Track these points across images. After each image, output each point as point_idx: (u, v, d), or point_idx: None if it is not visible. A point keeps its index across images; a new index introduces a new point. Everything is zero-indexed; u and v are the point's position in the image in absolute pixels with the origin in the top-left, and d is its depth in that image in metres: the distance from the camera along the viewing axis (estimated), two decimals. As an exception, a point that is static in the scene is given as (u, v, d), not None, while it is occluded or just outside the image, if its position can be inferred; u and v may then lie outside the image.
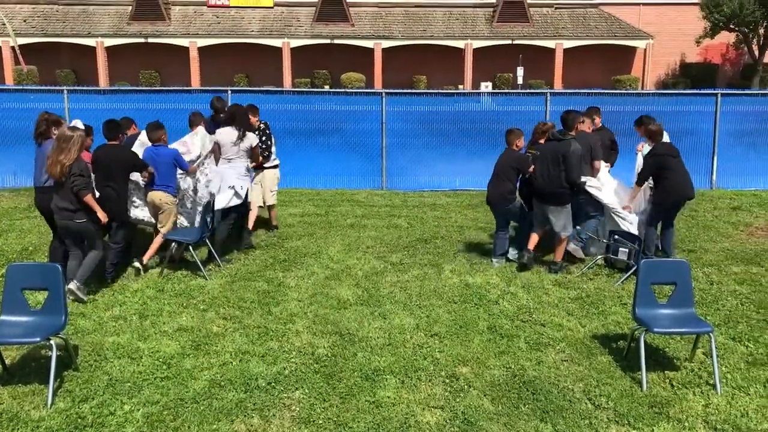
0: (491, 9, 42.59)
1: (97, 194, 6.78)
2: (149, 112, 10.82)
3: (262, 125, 9.05)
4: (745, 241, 9.09)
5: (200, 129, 8.42)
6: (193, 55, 40.36)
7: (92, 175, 6.87)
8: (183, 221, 8.16)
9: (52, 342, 4.83)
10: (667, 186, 7.72)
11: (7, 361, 5.25)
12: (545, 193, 7.65)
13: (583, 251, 8.27)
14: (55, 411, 4.60)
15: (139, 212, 7.84)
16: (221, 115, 8.93)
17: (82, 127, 7.06)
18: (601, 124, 8.95)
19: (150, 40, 40.11)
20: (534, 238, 7.85)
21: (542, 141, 8.09)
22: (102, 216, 6.65)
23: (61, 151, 6.38)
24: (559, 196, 7.56)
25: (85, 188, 6.47)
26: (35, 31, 39.93)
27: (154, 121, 7.85)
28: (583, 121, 8.18)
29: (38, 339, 4.81)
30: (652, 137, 7.99)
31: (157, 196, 7.59)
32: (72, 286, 6.54)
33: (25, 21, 40.51)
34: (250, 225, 8.79)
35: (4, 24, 33.87)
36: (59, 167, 6.36)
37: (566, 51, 40.70)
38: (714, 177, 13.24)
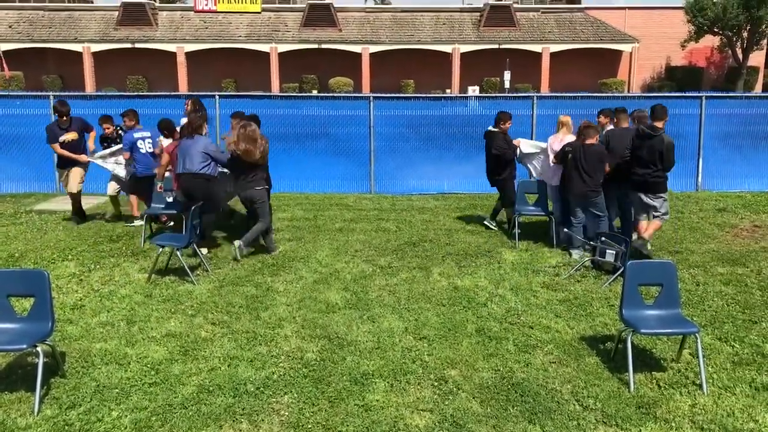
0: (478, 14, 42.82)
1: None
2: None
3: (115, 132, 10.42)
4: (730, 242, 9.18)
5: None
6: (181, 60, 40.28)
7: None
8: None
9: (38, 349, 4.80)
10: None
11: (-7, 369, 5.23)
12: (644, 183, 8.21)
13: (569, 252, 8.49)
14: (42, 418, 4.57)
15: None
16: (65, 119, 9.87)
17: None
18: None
19: (137, 45, 40.01)
20: (643, 225, 8.34)
21: (591, 141, 8.40)
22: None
23: (252, 141, 8.13)
24: (658, 185, 8.22)
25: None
26: (21, 36, 39.71)
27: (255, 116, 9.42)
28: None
29: (25, 346, 4.77)
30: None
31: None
32: (236, 243, 8.21)
33: (10, 27, 40.27)
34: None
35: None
36: (259, 153, 8.20)
37: (553, 55, 40.97)
38: (699, 179, 13.35)
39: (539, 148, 9.70)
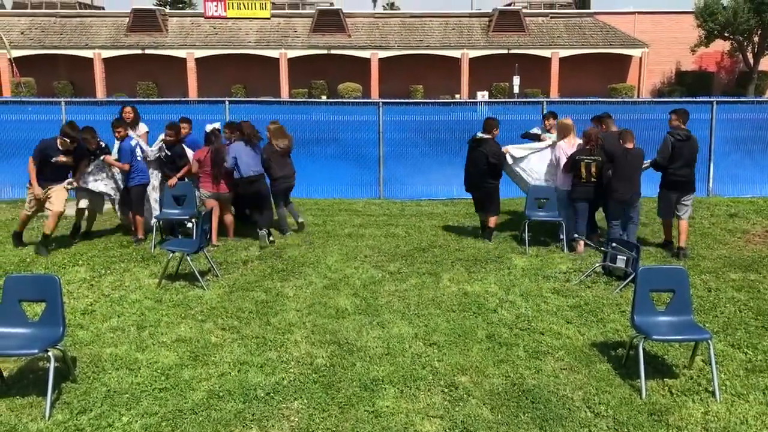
0: (487, 18, 42.80)
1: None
2: (147, 122, 10.80)
3: (97, 146, 9.45)
4: (742, 248, 9.11)
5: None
6: (191, 66, 40.46)
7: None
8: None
9: (50, 353, 4.82)
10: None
11: (5, 373, 5.24)
12: (687, 183, 8.58)
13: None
14: (53, 423, 4.58)
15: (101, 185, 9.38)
16: (75, 144, 8.82)
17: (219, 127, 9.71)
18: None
19: (147, 51, 40.21)
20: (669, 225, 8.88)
21: (630, 144, 8.52)
22: None
23: (287, 135, 9.71)
24: (694, 184, 8.70)
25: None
26: (33, 43, 40.02)
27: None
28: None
29: (36, 351, 4.79)
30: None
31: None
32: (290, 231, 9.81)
33: (22, 33, 40.60)
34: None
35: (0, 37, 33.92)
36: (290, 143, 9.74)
37: (562, 60, 40.88)
38: (710, 184, 13.27)
39: (531, 149, 9.61)
